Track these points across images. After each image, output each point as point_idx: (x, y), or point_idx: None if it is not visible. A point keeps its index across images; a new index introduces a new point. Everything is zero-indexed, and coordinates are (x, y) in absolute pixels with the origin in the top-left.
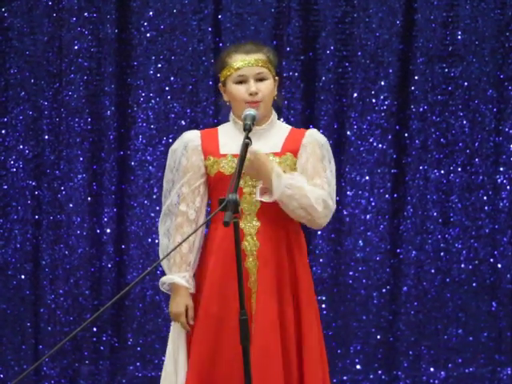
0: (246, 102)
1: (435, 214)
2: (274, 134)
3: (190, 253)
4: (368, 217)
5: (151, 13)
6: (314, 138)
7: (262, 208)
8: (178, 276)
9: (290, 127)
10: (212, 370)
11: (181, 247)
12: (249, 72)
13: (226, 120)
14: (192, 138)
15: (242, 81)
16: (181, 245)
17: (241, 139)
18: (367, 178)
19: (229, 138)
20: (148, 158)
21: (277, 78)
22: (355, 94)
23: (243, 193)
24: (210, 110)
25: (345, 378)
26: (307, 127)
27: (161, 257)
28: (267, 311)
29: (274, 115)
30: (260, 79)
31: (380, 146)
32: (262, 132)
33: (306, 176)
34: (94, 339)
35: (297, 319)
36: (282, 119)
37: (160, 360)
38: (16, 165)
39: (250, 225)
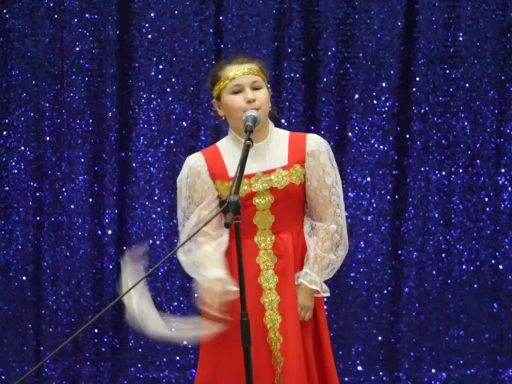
0: (245, 111)
1: (436, 215)
2: (276, 146)
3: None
4: (369, 218)
5: (152, 14)
6: (317, 145)
7: (276, 222)
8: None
9: (287, 133)
10: (219, 369)
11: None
12: (244, 80)
13: (226, 122)
14: (198, 163)
15: (237, 90)
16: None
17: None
18: (368, 179)
19: (233, 158)
20: (149, 159)
21: (270, 90)
22: (356, 96)
23: (257, 209)
24: (212, 112)
25: (346, 379)
26: (309, 129)
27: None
28: (292, 326)
29: (271, 126)
30: (256, 88)
31: (381, 147)
32: (263, 147)
33: (311, 190)
34: (96, 340)
35: (316, 338)
36: (283, 120)
37: (161, 361)
38: (17, 166)
39: (267, 240)
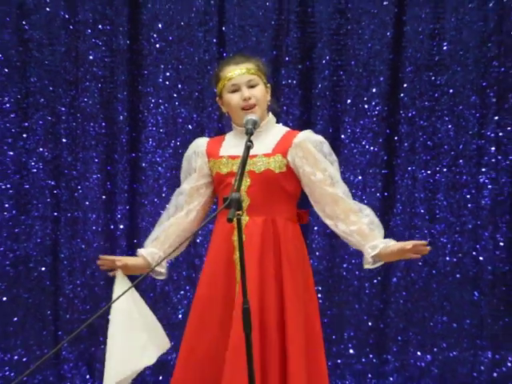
0: (242, 108)
1: (422, 211)
2: (269, 136)
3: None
4: None
5: (160, 25)
6: (305, 137)
7: (251, 204)
8: (144, 249)
9: (287, 129)
10: (197, 345)
11: (163, 229)
12: (240, 80)
13: (229, 125)
14: (200, 143)
15: (235, 90)
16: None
17: (238, 143)
18: (360, 177)
19: (230, 142)
20: (158, 159)
21: (268, 85)
22: (349, 101)
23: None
24: (215, 115)
25: (339, 361)
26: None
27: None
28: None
29: (271, 118)
30: (251, 86)
31: (372, 148)
32: (257, 134)
33: (306, 176)
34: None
35: (280, 308)
36: (280, 123)
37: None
38: (36, 166)
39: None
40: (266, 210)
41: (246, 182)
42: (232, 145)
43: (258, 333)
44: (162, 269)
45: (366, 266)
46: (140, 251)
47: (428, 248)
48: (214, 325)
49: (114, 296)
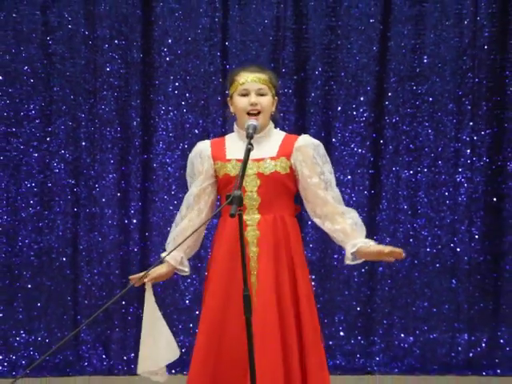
0: (247, 113)
1: (405, 207)
2: (271, 140)
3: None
4: None
5: (170, 40)
6: (306, 141)
7: (262, 203)
8: (169, 256)
9: (284, 133)
10: (220, 337)
11: (179, 232)
12: (251, 87)
13: (232, 130)
14: (204, 147)
15: (245, 94)
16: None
17: (242, 146)
18: (349, 177)
19: (233, 145)
20: (167, 160)
21: (276, 97)
22: (339, 108)
23: (245, 191)
24: (219, 121)
25: (330, 342)
26: (299, 135)
27: (168, 238)
28: (266, 289)
29: (271, 125)
30: (260, 94)
31: (360, 150)
32: (260, 139)
33: (303, 179)
34: (123, 310)
35: (294, 294)
36: (278, 128)
37: (177, 328)
38: (58, 166)
39: (252, 218)
40: (274, 207)
41: (256, 183)
42: (237, 148)
43: (278, 320)
44: (186, 268)
45: (347, 262)
46: (167, 259)
47: (403, 255)
48: (234, 317)
49: (145, 305)
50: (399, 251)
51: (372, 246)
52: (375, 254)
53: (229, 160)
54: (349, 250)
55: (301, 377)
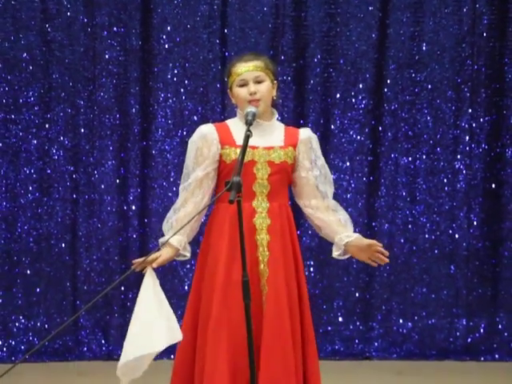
0: (248, 101)
1: (404, 193)
2: (275, 129)
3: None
4: (349, 196)
5: (169, 28)
6: (309, 134)
7: (271, 191)
8: (173, 238)
9: (282, 125)
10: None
11: (183, 217)
12: (248, 76)
13: (232, 115)
14: (210, 130)
15: (243, 84)
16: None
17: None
18: (348, 164)
19: (240, 131)
20: (166, 147)
21: (275, 81)
22: (338, 95)
23: (256, 178)
24: (218, 108)
25: (329, 328)
26: (299, 122)
27: (163, 223)
28: (278, 278)
29: (275, 113)
30: (258, 81)
31: (358, 137)
32: (266, 126)
33: (304, 171)
34: (122, 296)
35: (298, 282)
36: (277, 115)
37: (176, 314)
38: (57, 153)
39: (262, 205)
40: (279, 196)
41: (267, 170)
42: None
43: (287, 306)
44: (188, 253)
45: (334, 255)
46: (171, 241)
47: (386, 260)
48: (239, 304)
49: (143, 286)
50: (384, 253)
51: (362, 238)
52: (365, 247)
53: (239, 146)
54: (343, 239)
55: (302, 366)
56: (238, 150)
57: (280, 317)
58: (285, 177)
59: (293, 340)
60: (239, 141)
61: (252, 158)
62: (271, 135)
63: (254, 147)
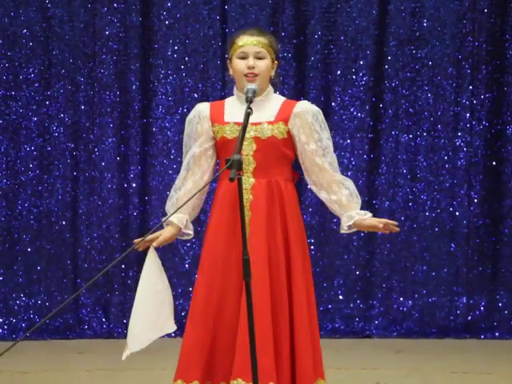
0: (244, 75)
1: (405, 171)
2: (270, 105)
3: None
4: (349, 173)
5: (169, 4)
6: (304, 108)
7: (257, 168)
8: (174, 217)
9: (283, 99)
10: (215, 296)
11: (183, 195)
12: (249, 50)
13: (232, 93)
14: (203, 108)
15: (243, 57)
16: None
17: (242, 109)
18: (348, 141)
19: (232, 108)
20: (167, 124)
21: (276, 61)
22: (338, 72)
23: (242, 154)
24: (218, 85)
25: (329, 306)
26: (299, 99)
27: (166, 203)
28: (257, 251)
29: (270, 89)
30: (259, 57)
31: (359, 114)
32: (259, 102)
33: (301, 145)
34: (123, 274)
35: (287, 258)
36: (277, 92)
37: (176, 291)
38: (58, 130)
39: (247, 181)
40: (269, 172)
41: (252, 147)
42: (236, 111)
43: (269, 282)
44: (191, 231)
45: (342, 231)
46: (171, 219)
47: (397, 229)
48: (233, 277)
49: (145, 265)
50: (393, 223)
51: (367, 219)
52: (370, 227)
53: (227, 123)
54: (345, 221)
55: (289, 334)
56: (226, 128)
57: (256, 290)
58: (275, 152)
59: (280, 327)
60: (228, 118)
61: (237, 135)
62: (263, 111)
63: (240, 123)
